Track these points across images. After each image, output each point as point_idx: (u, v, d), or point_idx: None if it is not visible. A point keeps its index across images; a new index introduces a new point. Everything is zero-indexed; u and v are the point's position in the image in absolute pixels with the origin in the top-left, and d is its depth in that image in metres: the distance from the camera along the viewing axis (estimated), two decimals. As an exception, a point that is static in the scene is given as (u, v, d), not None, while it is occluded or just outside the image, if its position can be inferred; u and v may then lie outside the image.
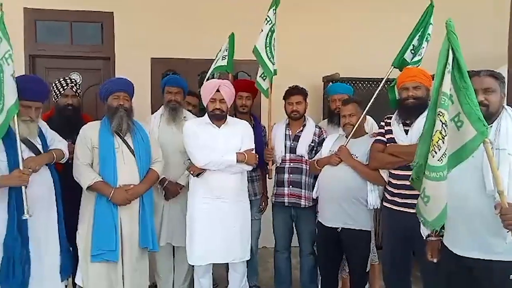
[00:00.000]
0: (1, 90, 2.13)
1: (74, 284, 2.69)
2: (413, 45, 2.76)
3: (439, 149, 1.68)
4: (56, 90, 2.89)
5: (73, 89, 2.90)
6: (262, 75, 3.13)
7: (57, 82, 2.93)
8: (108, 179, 2.52)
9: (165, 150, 2.90)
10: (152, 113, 3.37)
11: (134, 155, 2.61)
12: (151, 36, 4.26)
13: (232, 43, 3.29)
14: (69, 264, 2.53)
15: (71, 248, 2.60)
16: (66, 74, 4.20)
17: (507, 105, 1.93)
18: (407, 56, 2.78)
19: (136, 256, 2.61)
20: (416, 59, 2.74)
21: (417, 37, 2.75)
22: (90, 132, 2.58)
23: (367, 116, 2.83)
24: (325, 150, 2.80)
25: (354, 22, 4.52)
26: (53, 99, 2.94)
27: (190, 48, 4.21)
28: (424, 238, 2.12)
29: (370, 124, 3.00)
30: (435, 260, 2.09)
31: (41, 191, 2.32)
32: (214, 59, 3.43)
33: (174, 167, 2.91)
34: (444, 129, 1.67)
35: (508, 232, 1.70)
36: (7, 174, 2.19)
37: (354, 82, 4.23)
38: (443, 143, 1.68)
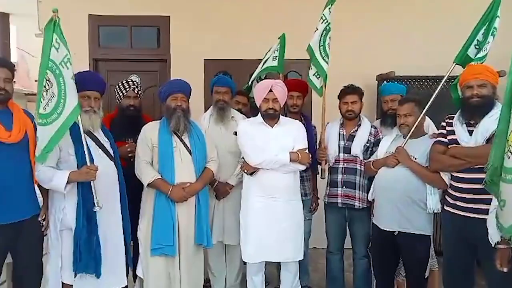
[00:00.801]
0: (61, 93, 2.25)
1: (135, 276, 2.83)
2: (477, 40, 2.59)
3: None
4: (120, 92, 3.04)
5: (135, 91, 3.03)
6: (316, 74, 3.10)
7: (120, 84, 3.08)
8: (166, 177, 2.62)
9: (214, 150, 2.96)
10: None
11: (190, 154, 2.69)
12: (204, 38, 4.38)
13: (283, 44, 3.30)
14: (133, 254, 2.66)
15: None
16: (125, 77, 4.42)
17: None
18: (471, 52, 2.61)
19: (192, 252, 2.70)
20: (480, 55, 2.56)
21: (482, 31, 2.57)
22: (150, 132, 2.70)
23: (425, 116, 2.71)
24: (381, 151, 2.72)
25: (410, 18, 4.36)
26: (116, 100, 3.10)
27: (242, 49, 4.28)
28: (493, 245, 1.99)
29: (427, 125, 2.88)
30: (505, 270, 1.96)
31: (106, 184, 2.45)
32: (263, 59, 3.45)
33: (223, 167, 2.95)
34: None
35: None
36: (76, 170, 2.35)
37: (410, 80, 4.09)
38: None
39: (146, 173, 2.62)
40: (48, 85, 2.25)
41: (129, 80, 3.09)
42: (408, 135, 2.58)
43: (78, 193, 2.37)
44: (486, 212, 2.04)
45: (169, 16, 4.43)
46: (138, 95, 3.06)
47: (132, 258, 2.70)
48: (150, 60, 4.55)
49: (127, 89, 3.01)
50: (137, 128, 2.77)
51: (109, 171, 2.51)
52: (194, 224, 2.68)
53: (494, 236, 1.98)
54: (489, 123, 2.23)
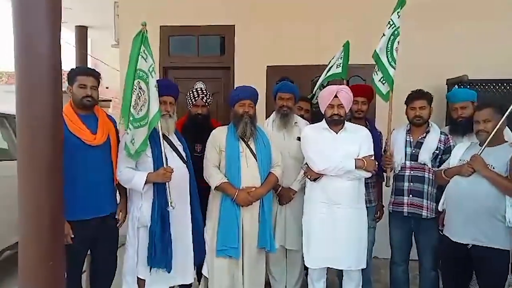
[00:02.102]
0: (149, 100, 2.44)
1: (200, 275, 2.94)
2: None
3: None
4: (189, 100, 3.21)
5: (203, 100, 3.18)
6: (382, 80, 3.03)
7: (190, 92, 3.24)
8: (233, 181, 2.70)
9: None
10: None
11: (256, 159, 2.75)
12: (267, 45, 4.46)
13: (347, 51, 3.28)
14: (203, 252, 2.77)
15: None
16: (192, 84, 4.65)
17: None
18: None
19: (254, 255, 2.76)
20: None
21: None
22: (218, 136, 2.81)
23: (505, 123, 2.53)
24: (455, 159, 2.59)
25: (486, 17, 4.10)
26: (187, 107, 3.28)
27: (303, 55, 4.29)
28: None
29: (505, 132, 2.68)
30: None
31: (178, 185, 2.58)
32: (327, 66, 3.44)
33: (286, 172, 2.97)
34: None
35: None
36: (154, 172, 2.51)
37: (484, 84, 3.83)
38: None
39: (213, 176, 2.72)
40: (140, 92, 2.45)
41: (198, 89, 3.24)
42: (486, 143, 2.43)
43: (154, 193, 2.53)
44: None
45: (234, 25, 4.57)
46: (206, 103, 3.20)
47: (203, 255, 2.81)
48: (214, 68, 4.72)
49: (196, 98, 3.16)
50: (206, 133, 2.89)
51: (182, 173, 2.65)
52: (258, 228, 2.74)
53: None
54: None
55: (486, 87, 3.79)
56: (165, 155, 2.52)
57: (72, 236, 2.41)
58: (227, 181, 2.70)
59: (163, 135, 2.56)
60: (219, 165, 2.78)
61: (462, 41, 4.12)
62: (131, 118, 2.42)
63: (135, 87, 2.42)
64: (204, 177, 2.78)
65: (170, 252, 2.52)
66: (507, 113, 2.41)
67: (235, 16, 4.55)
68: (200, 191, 2.79)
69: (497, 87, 3.81)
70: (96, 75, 2.58)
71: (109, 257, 2.69)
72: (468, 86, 3.66)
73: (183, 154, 2.72)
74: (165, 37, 4.69)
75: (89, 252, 2.66)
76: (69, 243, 2.37)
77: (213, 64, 4.70)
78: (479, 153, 2.44)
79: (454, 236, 2.51)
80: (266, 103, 4.45)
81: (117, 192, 2.73)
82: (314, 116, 3.35)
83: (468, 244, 2.44)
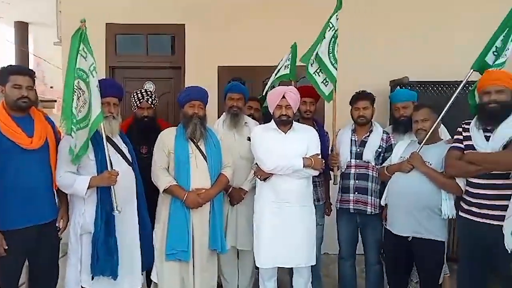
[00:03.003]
0: (90, 101, 2.34)
1: (149, 280, 2.86)
2: (496, 46, 2.56)
3: None
4: (134, 102, 3.12)
5: (149, 101, 3.11)
6: (324, 81, 3.12)
7: (134, 94, 3.15)
8: (182, 183, 2.65)
9: (227, 156, 2.99)
10: (220, 119, 3.50)
11: (206, 161, 2.72)
12: (218, 45, 4.44)
13: (294, 53, 3.35)
14: (151, 257, 2.70)
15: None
16: (141, 84, 4.54)
17: None
18: (489, 58, 2.58)
19: (206, 257, 2.73)
20: (499, 61, 2.53)
21: (501, 38, 2.55)
22: (167, 138, 2.75)
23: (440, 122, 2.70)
24: (396, 157, 2.73)
25: (425, 21, 4.35)
26: (132, 108, 3.19)
27: (255, 56, 4.31)
28: (509, 251, 1.98)
29: (440, 131, 2.86)
30: (521, 277, 1.95)
31: (123, 188, 2.49)
32: (275, 68, 3.48)
33: (237, 173, 2.97)
34: None
35: None
36: (97, 176, 2.41)
37: (423, 85, 4.06)
38: None
39: (162, 179, 2.66)
40: (80, 93, 2.33)
41: (143, 91, 3.16)
42: (424, 141, 2.58)
43: (97, 197, 2.42)
44: (502, 218, 2.05)
45: (184, 24, 4.50)
46: (152, 105, 3.13)
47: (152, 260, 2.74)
48: (165, 68, 4.63)
49: (141, 100, 3.09)
50: (152, 135, 2.83)
51: (127, 176, 2.56)
52: (209, 230, 2.71)
53: (510, 242, 1.97)
54: (506, 129, 2.22)
55: (425, 88, 4.02)
56: (109, 158, 2.42)
57: (6, 247, 2.26)
58: (176, 183, 2.65)
59: (107, 138, 2.47)
60: (168, 167, 2.73)
61: (403, 45, 4.34)
62: (74, 120, 2.31)
63: (75, 88, 2.31)
64: (152, 180, 2.71)
65: (116, 258, 2.43)
66: (443, 113, 2.58)
67: (185, 15, 4.49)
68: (148, 194, 2.72)
69: (435, 88, 4.05)
70: (31, 74, 2.43)
71: (50, 268, 2.54)
72: (409, 87, 3.86)
73: (129, 157, 2.63)
74: (112, 35, 4.53)
75: (27, 263, 2.50)
76: (2, 255, 2.22)
77: (163, 64, 4.61)
78: (417, 151, 2.58)
79: (395, 229, 2.64)
80: (218, 103, 4.44)
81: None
82: (264, 118, 3.39)
83: (408, 237, 2.57)
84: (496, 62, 2.54)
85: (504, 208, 2.02)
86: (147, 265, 2.70)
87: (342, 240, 3.11)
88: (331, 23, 3.02)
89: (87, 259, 2.42)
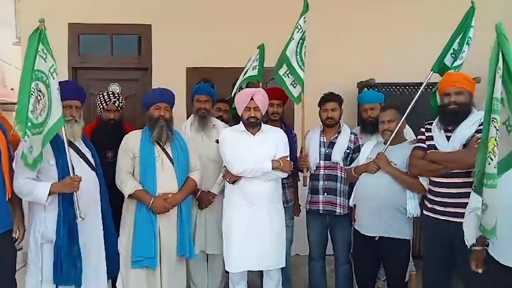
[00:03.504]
0: (50, 104, 2.24)
1: (114, 288, 2.78)
2: (453, 49, 2.68)
3: (495, 156, 1.65)
4: (100, 104, 3.03)
5: (115, 104, 3.02)
6: (293, 83, 3.13)
7: (101, 96, 3.06)
8: (148, 188, 2.59)
9: (196, 159, 2.95)
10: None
11: (173, 164, 2.67)
12: (186, 46, 4.38)
13: (262, 54, 3.34)
14: (116, 264, 2.62)
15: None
16: (106, 85, 4.41)
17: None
18: (447, 60, 2.70)
19: (174, 263, 2.67)
20: (457, 63, 2.65)
21: (457, 40, 2.67)
22: (131, 141, 2.67)
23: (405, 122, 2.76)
24: (363, 157, 2.77)
25: (390, 26, 4.45)
26: (97, 111, 3.09)
27: (224, 57, 4.28)
28: (468, 247, 2.04)
29: (405, 131, 2.93)
30: (480, 271, 2.01)
31: (87, 194, 2.41)
32: (244, 69, 3.47)
33: (205, 176, 2.93)
34: (498, 135, 1.64)
35: None
36: (59, 182, 2.30)
37: (389, 87, 4.16)
38: (498, 149, 1.64)
39: (127, 184, 2.59)
40: (39, 95, 2.22)
41: (109, 93, 3.07)
42: (389, 141, 2.63)
43: (59, 204, 2.32)
44: (462, 215, 2.09)
45: (151, 25, 4.41)
46: (119, 108, 3.05)
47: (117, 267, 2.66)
48: (131, 68, 4.52)
49: (108, 102, 3.00)
50: (118, 139, 2.74)
51: (91, 181, 2.48)
52: (176, 235, 2.66)
53: (470, 238, 2.03)
54: (465, 129, 2.30)
55: (391, 89, 4.12)
56: (71, 163, 2.33)
57: None
58: (141, 188, 2.58)
59: (69, 142, 2.37)
60: (133, 171, 2.65)
61: (370, 47, 4.43)
62: (29, 124, 2.19)
63: (33, 90, 2.20)
64: (117, 185, 2.63)
65: (80, 267, 2.35)
66: (406, 113, 2.64)
67: (151, 15, 4.40)
68: (112, 200, 2.64)
69: (401, 90, 4.16)
70: None
71: (5, 281, 2.37)
72: (376, 89, 3.94)
73: (92, 161, 2.54)
74: (74, 35, 4.38)
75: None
76: None
77: (129, 65, 4.50)
78: (383, 151, 2.63)
79: (363, 229, 2.68)
80: (187, 105, 4.38)
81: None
82: (234, 119, 3.36)
83: (375, 237, 2.61)
84: (454, 64, 2.64)
85: (464, 205, 2.08)
86: (112, 273, 2.62)
87: (312, 241, 3.13)
88: (299, 24, 3.05)
89: (48, 268, 2.32)
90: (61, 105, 2.29)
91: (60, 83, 2.37)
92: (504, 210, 1.73)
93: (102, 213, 2.55)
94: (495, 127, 1.63)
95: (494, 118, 1.63)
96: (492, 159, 1.64)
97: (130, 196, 2.58)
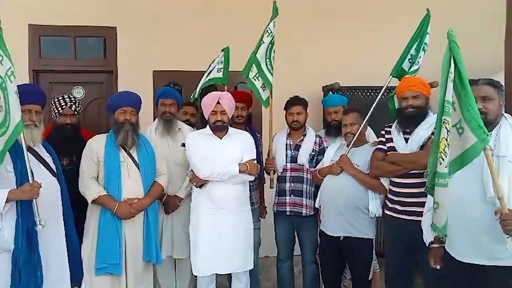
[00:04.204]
0: (7, 108, 2.16)
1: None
2: (411, 54, 2.80)
3: (446, 156, 1.72)
4: (55, 109, 2.93)
5: (72, 108, 2.94)
6: (262, 86, 3.17)
7: (56, 100, 2.96)
8: (112, 193, 2.55)
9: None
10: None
11: (139, 169, 2.64)
12: (153, 49, 4.33)
13: (227, 57, 3.35)
14: (80, 272, 2.56)
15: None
16: (69, 88, 4.30)
17: (505, 112, 1.96)
18: (405, 65, 2.82)
19: (140, 269, 2.64)
20: (413, 68, 2.77)
21: (414, 46, 2.79)
22: (96, 145, 2.62)
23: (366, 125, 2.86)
24: (327, 160, 2.84)
25: (353, 32, 4.58)
26: (52, 116, 2.99)
27: (192, 60, 4.26)
28: (427, 245, 2.13)
29: (367, 133, 3.03)
30: (437, 267, 2.11)
31: (47, 201, 2.33)
32: (207, 71, 3.47)
33: (172, 180, 2.91)
34: (449, 136, 1.72)
35: (508, 237, 1.71)
36: (17, 188, 2.22)
37: (353, 91, 4.29)
38: (449, 150, 1.71)
39: (90, 189, 2.54)
40: None
41: (65, 97, 2.99)
42: (351, 144, 2.71)
43: (18, 212, 2.24)
44: (421, 214, 2.18)
45: (116, 27, 4.34)
46: (76, 113, 2.97)
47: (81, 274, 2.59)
48: (96, 72, 4.42)
49: (64, 107, 2.92)
50: (76, 146, 2.68)
51: (51, 187, 2.40)
52: (143, 240, 2.63)
53: (428, 236, 2.12)
54: (422, 131, 2.40)
55: (355, 93, 4.24)
56: (31, 169, 2.24)
57: None
58: (106, 193, 2.54)
59: (28, 147, 2.29)
60: (97, 176, 2.60)
61: (335, 52, 4.54)
62: None
63: None
64: (80, 190, 2.57)
65: (41, 276, 2.26)
66: (367, 117, 2.74)
67: (116, 18, 4.31)
68: (76, 206, 2.57)
69: (364, 93, 4.29)
70: None
71: None
72: (340, 93, 4.05)
73: (53, 167, 2.47)
74: (35, 37, 4.23)
75: None
76: None
77: (94, 68, 4.40)
78: (346, 153, 2.71)
79: (328, 230, 2.75)
80: (154, 109, 4.32)
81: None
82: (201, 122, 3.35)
83: (340, 237, 2.68)
84: (411, 69, 2.76)
85: (423, 204, 2.17)
86: (76, 281, 2.55)
87: (280, 242, 3.17)
88: (269, 28, 3.09)
89: (5, 279, 2.21)
90: (20, 110, 2.20)
91: (19, 86, 2.29)
92: (454, 208, 1.82)
93: (64, 220, 2.48)
94: (446, 128, 1.71)
95: (446, 120, 1.71)
96: (443, 159, 1.72)
97: (94, 201, 2.53)
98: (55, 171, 2.48)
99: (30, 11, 4.17)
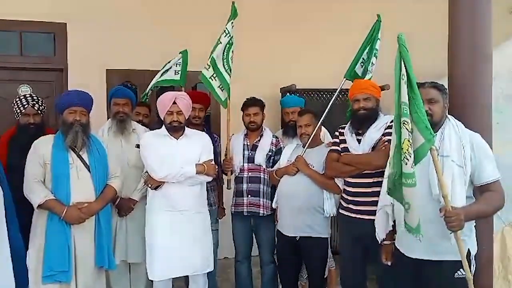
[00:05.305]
0: None
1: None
2: (362, 58, 2.90)
3: (410, 156, 1.76)
4: (17, 108, 2.81)
5: (35, 107, 2.83)
6: (220, 86, 3.15)
7: (17, 99, 2.85)
8: (61, 197, 2.43)
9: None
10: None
11: (89, 171, 2.53)
12: (106, 47, 4.18)
13: (185, 59, 3.32)
14: (25, 280, 2.42)
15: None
16: (15, 86, 4.05)
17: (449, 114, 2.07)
18: (358, 69, 2.91)
19: (91, 276, 2.53)
20: (368, 76, 2.84)
21: (366, 50, 2.89)
22: (42, 147, 2.49)
23: (321, 126, 2.92)
24: (284, 160, 2.86)
25: (310, 35, 4.68)
26: (15, 116, 2.87)
27: (147, 59, 4.15)
28: (379, 242, 2.21)
29: (323, 134, 3.10)
30: (389, 263, 2.20)
31: None
32: (161, 70, 3.41)
33: (125, 182, 2.82)
34: (411, 136, 1.76)
35: (451, 233, 1.81)
36: None
37: (309, 93, 4.38)
38: (412, 150, 1.76)
39: (36, 193, 2.41)
40: None
41: (27, 96, 2.88)
42: (307, 144, 2.75)
43: None
44: (374, 213, 2.26)
45: (66, 23, 4.14)
46: (39, 111, 2.87)
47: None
48: (44, 69, 4.19)
49: (26, 106, 2.81)
50: None
51: None
52: (94, 246, 2.52)
53: (380, 234, 2.21)
54: (373, 132, 2.48)
55: (311, 95, 4.33)
56: None
57: None
58: (53, 197, 2.41)
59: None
60: (44, 180, 2.47)
61: (291, 54, 4.61)
62: None
63: None
64: (25, 194, 2.43)
65: None
66: (321, 118, 2.80)
67: (66, 13, 4.12)
68: (22, 211, 2.42)
69: (320, 95, 4.39)
70: None
71: None
72: (297, 94, 4.11)
73: None
74: (-24, 31, 3.96)
75: None
76: None
77: (42, 65, 4.17)
78: (301, 154, 2.75)
79: (284, 230, 2.78)
80: (107, 109, 4.17)
81: None
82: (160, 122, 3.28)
83: (296, 236, 2.72)
84: (366, 77, 2.83)
85: (376, 203, 2.25)
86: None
87: (237, 243, 3.17)
88: (227, 29, 3.08)
89: None
90: None
91: None
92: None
93: (7, 226, 2.31)
94: (407, 129, 1.76)
95: (405, 121, 1.77)
96: (408, 159, 1.77)
97: (40, 206, 2.40)
98: None
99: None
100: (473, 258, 1.96)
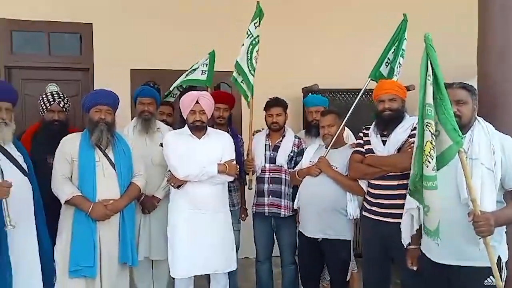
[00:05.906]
0: None
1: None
2: (388, 58, 2.84)
3: (432, 159, 1.73)
4: (43, 105, 2.87)
5: (60, 105, 2.89)
6: (242, 81, 3.14)
7: (44, 96, 2.92)
8: (87, 194, 2.48)
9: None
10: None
11: (115, 169, 2.58)
12: (131, 47, 4.25)
13: (212, 60, 3.33)
14: (52, 274, 2.48)
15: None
16: (43, 86, 4.12)
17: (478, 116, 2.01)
18: (383, 69, 2.86)
19: (115, 271, 2.57)
20: (394, 78, 2.77)
21: (392, 50, 2.83)
22: (69, 144, 2.55)
23: (344, 127, 2.88)
24: (306, 161, 2.84)
25: (333, 35, 4.63)
26: (40, 113, 2.94)
27: (171, 59, 4.20)
28: (405, 246, 2.17)
29: (346, 135, 3.06)
30: (414, 268, 2.15)
31: (18, 201, 2.25)
32: (188, 70, 3.44)
33: (149, 180, 2.86)
34: (434, 138, 1.73)
35: (480, 239, 1.76)
36: None
37: (332, 93, 4.35)
38: (435, 152, 1.73)
39: (63, 189, 2.46)
40: None
41: (54, 93, 2.94)
42: (330, 145, 2.72)
43: None
44: (399, 216, 2.21)
45: (92, 24, 4.24)
46: (64, 109, 2.93)
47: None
48: (71, 69, 4.30)
49: (52, 102, 2.87)
50: None
51: (22, 187, 2.32)
52: (118, 242, 2.57)
53: (406, 238, 2.16)
54: (399, 134, 2.42)
55: (334, 95, 4.29)
56: (1, 168, 2.16)
57: None
58: (80, 194, 2.46)
59: (-1, 146, 2.22)
60: (71, 176, 2.53)
61: (314, 54, 4.57)
62: None
63: None
64: (53, 191, 2.49)
65: (10, 278, 2.18)
66: (345, 119, 2.76)
67: (92, 14, 4.22)
68: (50, 206, 2.49)
69: (343, 95, 4.34)
70: None
71: None
72: (320, 94, 4.08)
73: (24, 166, 2.38)
74: (6, 31, 4.09)
75: None
76: None
77: (69, 65, 4.28)
78: (324, 155, 2.72)
79: (306, 231, 2.75)
80: (131, 108, 4.25)
81: None
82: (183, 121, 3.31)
83: (318, 238, 2.69)
84: (393, 79, 2.77)
85: (400, 206, 2.20)
86: (48, 283, 2.46)
87: (258, 243, 3.16)
88: (249, 30, 3.08)
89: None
90: None
91: None
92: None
93: (35, 220, 2.39)
94: (430, 131, 1.73)
95: (428, 123, 1.73)
96: (430, 162, 1.73)
97: (67, 202, 2.46)
98: (27, 170, 2.39)
99: (1, 4, 4.02)
100: (504, 265, 1.89)
